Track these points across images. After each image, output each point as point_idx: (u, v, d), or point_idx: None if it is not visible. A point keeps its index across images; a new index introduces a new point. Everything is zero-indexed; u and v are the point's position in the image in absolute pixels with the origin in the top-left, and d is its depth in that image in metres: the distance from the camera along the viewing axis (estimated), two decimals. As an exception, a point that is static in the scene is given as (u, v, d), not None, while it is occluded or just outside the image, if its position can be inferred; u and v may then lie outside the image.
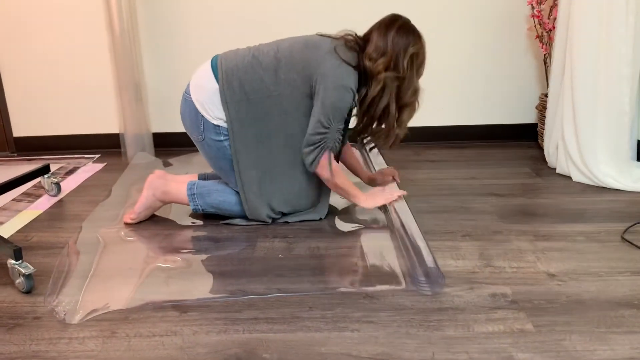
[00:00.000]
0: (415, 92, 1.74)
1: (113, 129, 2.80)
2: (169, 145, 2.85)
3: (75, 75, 2.77)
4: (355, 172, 2.05)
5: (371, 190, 1.91)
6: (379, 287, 1.43)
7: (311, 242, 1.70)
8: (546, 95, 2.46)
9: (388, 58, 1.67)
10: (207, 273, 1.53)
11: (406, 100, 1.73)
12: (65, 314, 1.33)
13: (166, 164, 2.60)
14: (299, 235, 1.76)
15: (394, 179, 2.00)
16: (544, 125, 2.47)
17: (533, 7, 2.55)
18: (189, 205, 1.85)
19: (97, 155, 2.77)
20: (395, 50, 1.68)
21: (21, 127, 2.86)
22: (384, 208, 1.89)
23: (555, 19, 2.38)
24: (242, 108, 1.73)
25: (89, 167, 2.58)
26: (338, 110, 1.68)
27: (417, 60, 1.71)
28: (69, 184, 2.33)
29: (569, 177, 2.24)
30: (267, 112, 1.74)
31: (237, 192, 1.82)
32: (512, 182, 2.22)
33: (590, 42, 2.10)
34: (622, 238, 1.68)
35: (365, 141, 1.88)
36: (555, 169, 2.34)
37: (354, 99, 1.70)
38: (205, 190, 1.85)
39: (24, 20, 2.69)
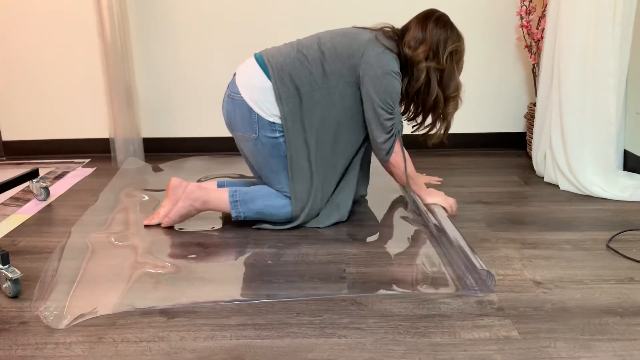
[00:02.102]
0: (457, 87, 1.80)
1: (103, 134, 2.80)
2: (159, 151, 2.85)
3: (65, 79, 2.77)
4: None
5: (431, 189, 1.93)
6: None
7: (300, 249, 1.71)
8: (535, 105, 2.49)
9: (427, 46, 1.73)
10: (195, 279, 1.53)
11: (449, 93, 1.79)
12: (52, 319, 1.32)
13: (156, 170, 2.59)
14: (288, 241, 1.76)
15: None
16: (532, 134, 2.50)
17: (522, 18, 2.58)
18: (229, 212, 1.83)
19: (87, 160, 2.77)
20: (434, 39, 1.74)
21: (10, 131, 2.85)
22: (421, 219, 1.91)
23: (543, 29, 2.41)
24: (295, 103, 1.74)
25: (78, 172, 2.57)
26: (393, 95, 1.72)
27: (456, 55, 1.78)
28: (58, 189, 2.32)
29: (557, 186, 2.26)
30: (317, 105, 1.75)
31: (284, 195, 1.81)
32: (500, 190, 2.24)
33: (578, 53, 2.13)
34: (608, 246, 1.70)
35: (413, 132, 1.91)
36: (543, 177, 2.36)
37: (401, 83, 1.75)
38: (248, 196, 1.82)
39: (14, 24, 2.69)
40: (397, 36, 1.78)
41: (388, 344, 1.22)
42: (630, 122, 2.33)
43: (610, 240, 1.74)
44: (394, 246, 1.72)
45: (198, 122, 2.84)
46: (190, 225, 1.89)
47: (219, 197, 1.83)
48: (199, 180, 2.38)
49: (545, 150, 2.34)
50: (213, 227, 1.88)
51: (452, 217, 1.84)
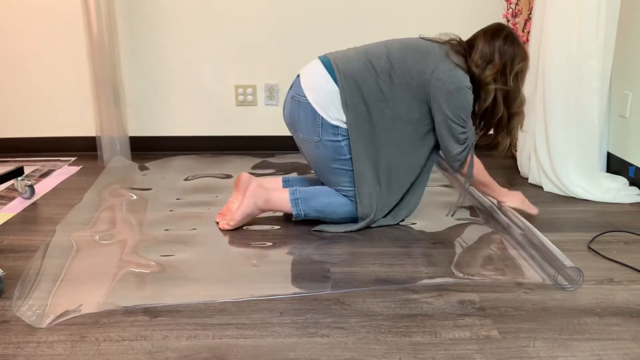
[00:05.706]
0: (522, 103, 1.80)
1: (89, 132, 2.79)
2: (145, 149, 2.84)
3: (51, 76, 2.75)
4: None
5: (510, 191, 1.94)
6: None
7: (286, 249, 1.72)
8: (520, 107, 2.51)
9: (495, 68, 1.72)
10: (180, 278, 1.53)
11: (513, 110, 1.79)
12: (34, 318, 1.32)
13: (142, 168, 2.59)
14: (273, 241, 1.77)
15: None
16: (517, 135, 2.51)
17: (508, 20, 2.60)
18: (290, 211, 1.83)
19: (73, 158, 2.75)
20: (502, 60, 1.73)
21: (-4, 129, 2.83)
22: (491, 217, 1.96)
23: (529, 32, 2.43)
24: (361, 111, 1.74)
25: (64, 170, 2.56)
26: (467, 109, 1.73)
27: (521, 74, 1.77)
28: (44, 187, 2.31)
29: (541, 187, 2.29)
30: (382, 116, 1.75)
31: (343, 195, 1.81)
32: (485, 191, 2.25)
33: (562, 56, 2.16)
34: (589, 247, 1.72)
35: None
36: (527, 179, 2.39)
37: (472, 96, 1.75)
38: (308, 194, 1.83)
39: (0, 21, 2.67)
40: (465, 50, 1.77)
41: (370, 343, 1.23)
42: (614, 125, 2.36)
43: (591, 241, 1.76)
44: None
45: (185, 120, 2.84)
46: (176, 227, 1.89)
47: (281, 196, 1.83)
48: (186, 179, 2.38)
49: (529, 152, 2.36)
50: (194, 229, 1.88)
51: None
